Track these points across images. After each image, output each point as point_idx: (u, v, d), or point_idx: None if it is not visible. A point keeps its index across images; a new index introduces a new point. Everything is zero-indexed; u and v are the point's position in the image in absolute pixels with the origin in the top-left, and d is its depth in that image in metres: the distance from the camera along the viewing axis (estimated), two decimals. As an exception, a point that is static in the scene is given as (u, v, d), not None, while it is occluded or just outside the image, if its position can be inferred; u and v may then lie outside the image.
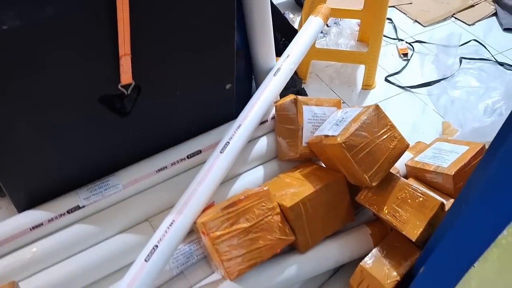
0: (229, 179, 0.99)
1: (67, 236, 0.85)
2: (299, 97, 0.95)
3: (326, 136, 0.87)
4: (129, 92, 0.84)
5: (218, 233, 0.79)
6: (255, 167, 1.03)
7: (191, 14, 0.82)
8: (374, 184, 0.84)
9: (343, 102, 1.51)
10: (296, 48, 1.10)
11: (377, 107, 0.86)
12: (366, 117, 0.84)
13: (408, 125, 1.55)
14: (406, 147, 0.87)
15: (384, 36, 1.84)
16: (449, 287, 0.69)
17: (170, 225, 0.80)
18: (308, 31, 1.15)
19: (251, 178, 1.00)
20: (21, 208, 0.87)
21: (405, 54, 1.84)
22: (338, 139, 0.82)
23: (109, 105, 0.84)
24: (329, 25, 1.89)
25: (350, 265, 0.92)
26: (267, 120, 1.05)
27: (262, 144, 1.04)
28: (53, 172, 0.87)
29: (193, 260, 0.89)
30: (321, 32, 1.75)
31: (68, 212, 0.87)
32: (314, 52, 1.58)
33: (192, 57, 0.89)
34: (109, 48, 0.75)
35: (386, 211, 0.85)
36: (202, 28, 0.86)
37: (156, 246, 0.77)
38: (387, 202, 0.86)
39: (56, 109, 0.78)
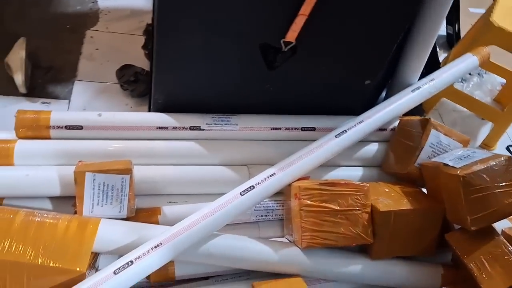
0: (328, 164, 1.02)
1: (182, 147, 0.96)
2: (432, 119, 0.95)
3: (446, 164, 0.87)
4: (285, 49, 0.91)
5: (309, 202, 0.84)
6: (356, 166, 1.06)
7: (371, 7, 0.88)
8: (472, 228, 0.82)
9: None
10: (443, 76, 1.09)
11: (510, 158, 0.83)
12: (494, 163, 0.82)
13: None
14: (522, 210, 0.83)
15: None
16: None
17: (270, 176, 0.86)
18: (461, 66, 1.13)
19: (348, 174, 1.03)
20: (155, 109, 0.99)
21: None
22: (459, 171, 0.82)
23: (264, 53, 0.92)
24: (471, 73, 1.81)
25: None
26: (386, 129, 1.07)
27: (372, 148, 1.06)
28: (192, 91, 0.98)
29: (271, 217, 0.95)
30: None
31: (190, 128, 0.97)
32: (449, 91, 1.53)
33: (353, 44, 0.94)
34: (293, 2, 0.83)
35: (472, 260, 0.83)
36: (375, 22, 0.91)
37: (253, 186, 0.84)
38: (476, 252, 0.83)
39: (225, 38, 0.88)
